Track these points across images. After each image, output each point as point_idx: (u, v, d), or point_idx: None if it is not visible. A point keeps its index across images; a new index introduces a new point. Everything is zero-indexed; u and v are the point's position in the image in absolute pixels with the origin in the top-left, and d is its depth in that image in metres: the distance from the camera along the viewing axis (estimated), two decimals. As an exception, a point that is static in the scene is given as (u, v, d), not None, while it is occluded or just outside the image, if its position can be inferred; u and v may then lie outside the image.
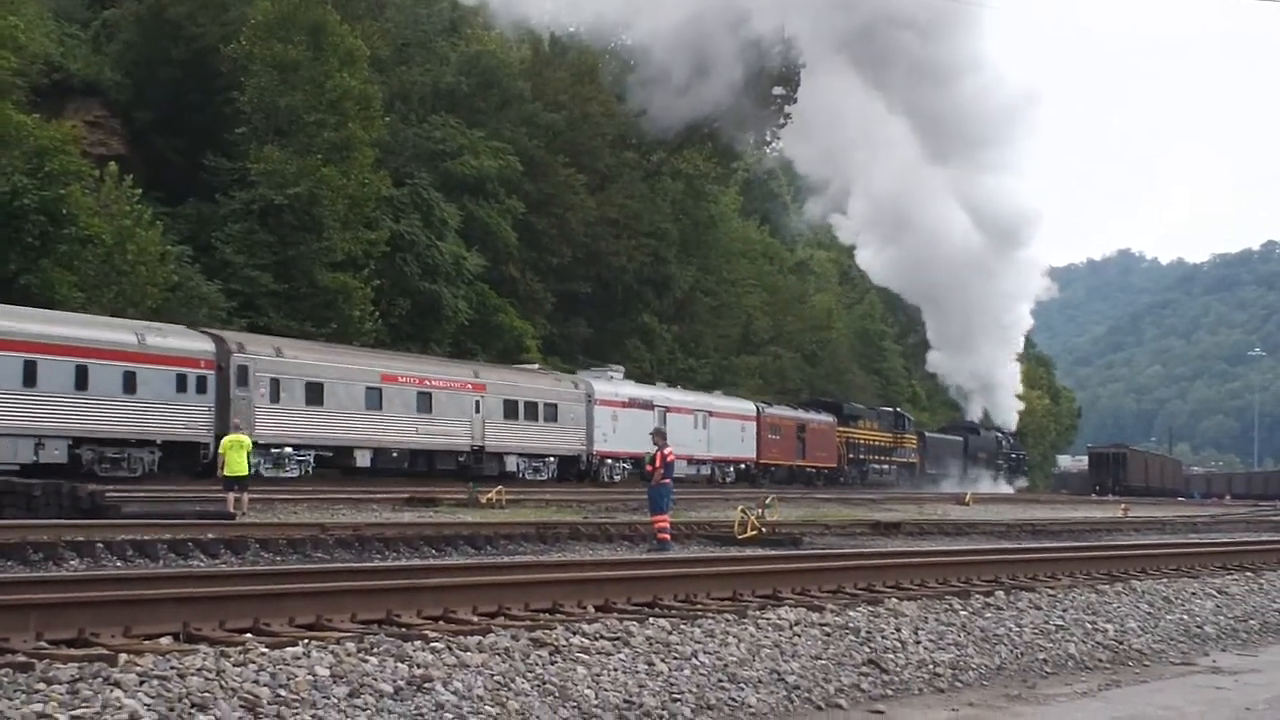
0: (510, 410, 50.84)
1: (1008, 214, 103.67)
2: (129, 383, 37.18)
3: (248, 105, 51.96)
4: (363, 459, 45.07)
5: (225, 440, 29.02)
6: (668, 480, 23.89)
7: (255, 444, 38.76)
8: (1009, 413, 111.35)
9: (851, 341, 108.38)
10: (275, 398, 41.58)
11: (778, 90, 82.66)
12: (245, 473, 28.46)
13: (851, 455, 78.54)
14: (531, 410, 51.85)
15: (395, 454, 46.36)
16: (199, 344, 39.95)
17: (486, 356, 60.37)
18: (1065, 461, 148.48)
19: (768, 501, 34.80)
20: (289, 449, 42.32)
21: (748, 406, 68.03)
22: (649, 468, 24.79)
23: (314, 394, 42.96)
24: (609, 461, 55.99)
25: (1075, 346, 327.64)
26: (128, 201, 45.52)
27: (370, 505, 31.98)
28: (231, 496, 27.65)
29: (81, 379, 35.93)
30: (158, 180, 51.64)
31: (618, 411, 56.20)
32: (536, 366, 59.29)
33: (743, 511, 26.95)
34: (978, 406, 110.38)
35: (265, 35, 51.77)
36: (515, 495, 37.95)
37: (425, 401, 47.03)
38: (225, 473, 28.42)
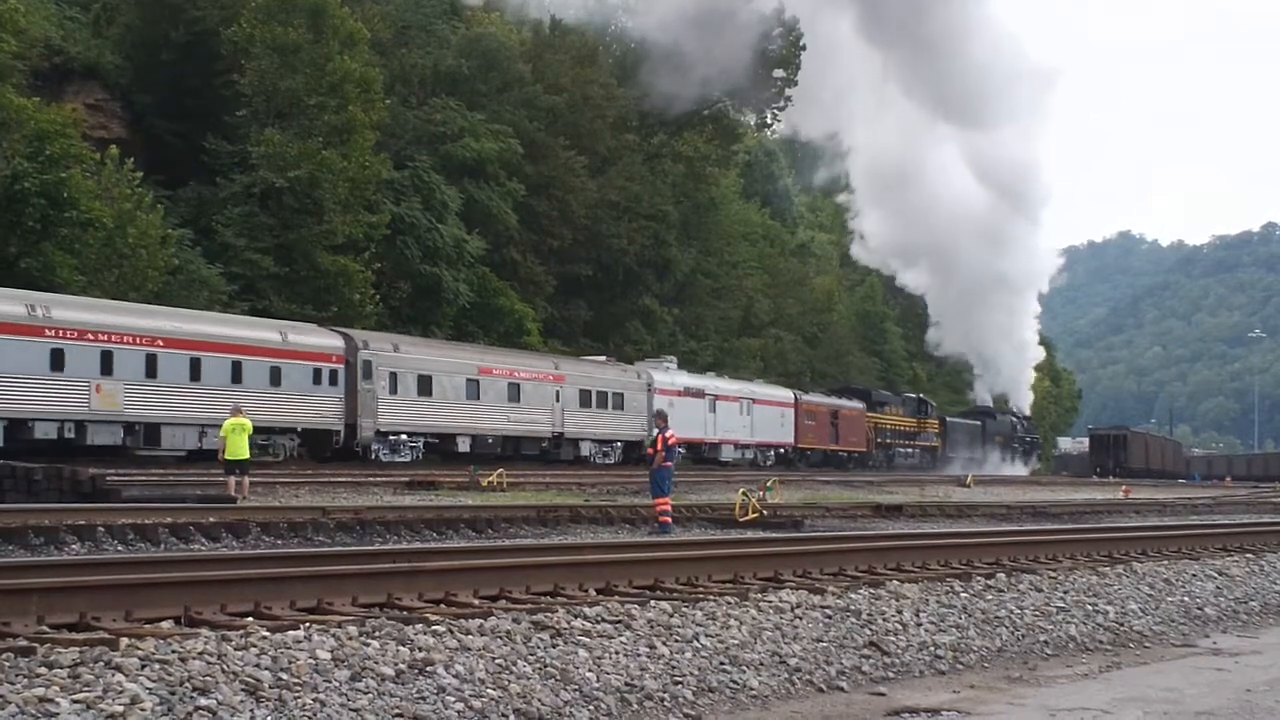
0: (585, 399, 54.51)
1: (1013, 175, 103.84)
2: (275, 376, 41.22)
3: (248, 88, 51.87)
4: (463, 444, 48.60)
5: (227, 424, 28.98)
6: (669, 463, 23.91)
7: (377, 431, 43.87)
8: (1014, 389, 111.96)
9: (852, 323, 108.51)
10: (394, 389, 45.70)
11: (778, 73, 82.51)
12: (247, 456, 28.45)
13: (879, 440, 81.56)
14: (602, 399, 55.46)
15: (490, 440, 49.95)
16: (331, 341, 44.16)
17: (488, 339, 60.42)
18: (1066, 443, 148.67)
19: (769, 484, 34.89)
20: (404, 435, 46.13)
21: (786, 394, 71.15)
22: (650, 450, 24.83)
23: (424, 386, 46.93)
24: None
25: (1076, 328, 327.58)
26: (128, 185, 45.46)
27: (371, 489, 32.04)
28: (232, 480, 27.65)
29: (237, 373, 39.96)
30: (158, 163, 51.56)
31: (674, 399, 58.64)
32: (604, 359, 61.78)
33: (744, 494, 26.96)
34: (981, 385, 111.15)
35: (265, 18, 51.66)
36: (516, 479, 38.05)
37: (515, 392, 51.05)
38: (226, 456, 28.40)
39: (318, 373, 42.82)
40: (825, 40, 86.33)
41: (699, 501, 31.31)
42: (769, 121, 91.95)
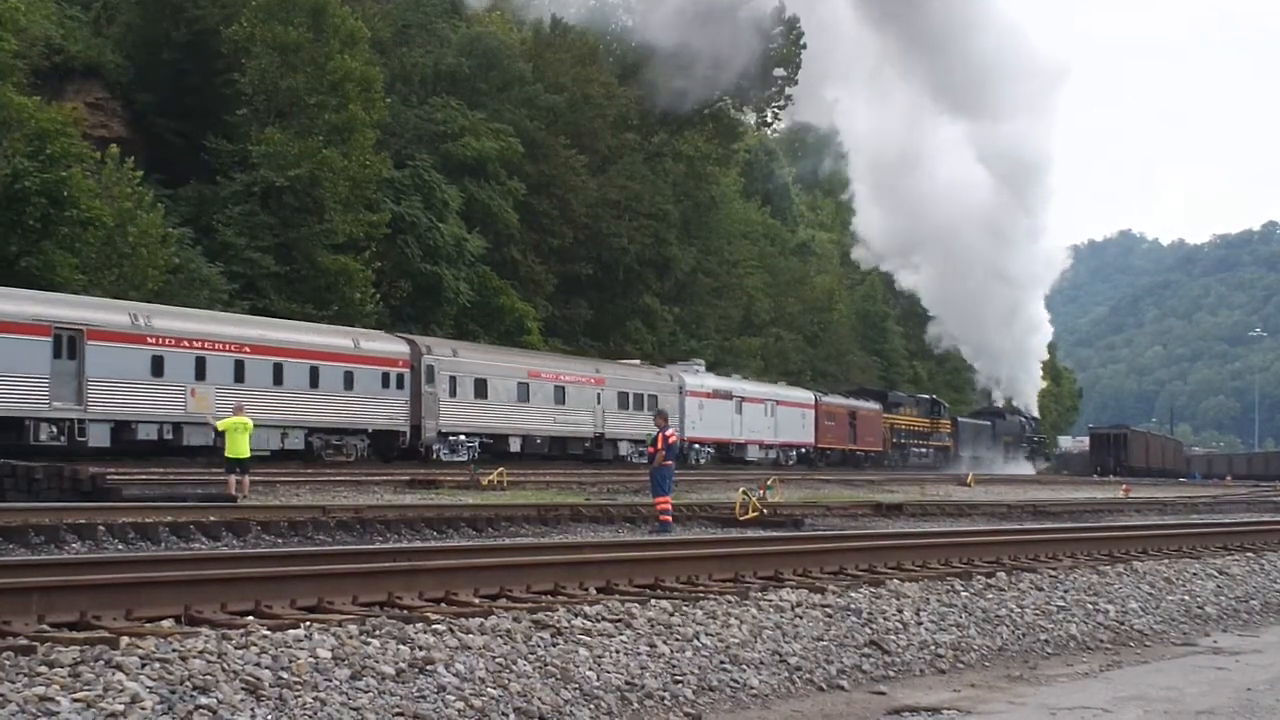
0: (623, 401, 56.43)
1: (1017, 166, 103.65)
2: (348, 381, 43.68)
3: (249, 87, 51.86)
4: (514, 445, 50.94)
5: (227, 422, 28.90)
6: (670, 462, 23.87)
7: (439, 432, 45.93)
8: (1020, 389, 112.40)
9: (853, 322, 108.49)
10: (453, 392, 47.86)
11: (779, 72, 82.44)
12: (246, 455, 28.36)
13: (895, 440, 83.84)
14: (639, 401, 57.16)
15: (539, 440, 52.36)
16: (397, 347, 46.59)
17: (488, 338, 60.43)
18: (1066, 442, 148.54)
19: (769, 483, 34.87)
20: (462, 436, 48.22)
21: (807, 396, 73.31)
22: (651, 449, 24.78)
23: (481, 389, 49.28)
24: (696, 446, 61.07)
25: (1076, 327, 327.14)
26: (129, 184, 45.46)
27: (371, 488, 32.03)
28: (233, 479, 27.58)
29: (314, 378, 42.36)
30: (159, 162, 51.56)
31: (704, 401, 62.34)
32: (638, 362, 63.82)
33: (744, 493, 26.95)
34: (984, 381, 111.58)
35: (266, 17, 51.66)
36: (516, 477, 38.08)
37: (560, 395, 53.40)
38: (227, 455, 28.30)
39: (386, 377, 45.12)
40: (825, 28, 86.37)
41: (699, 500, 31.31)
42: (769, 120, 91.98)
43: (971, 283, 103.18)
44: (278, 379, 40.99)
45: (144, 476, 29.94)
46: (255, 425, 38.90)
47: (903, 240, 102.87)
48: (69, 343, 35.38)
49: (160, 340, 37.64)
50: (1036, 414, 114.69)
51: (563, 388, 53.28)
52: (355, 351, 44.11)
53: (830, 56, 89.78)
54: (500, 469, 37.44)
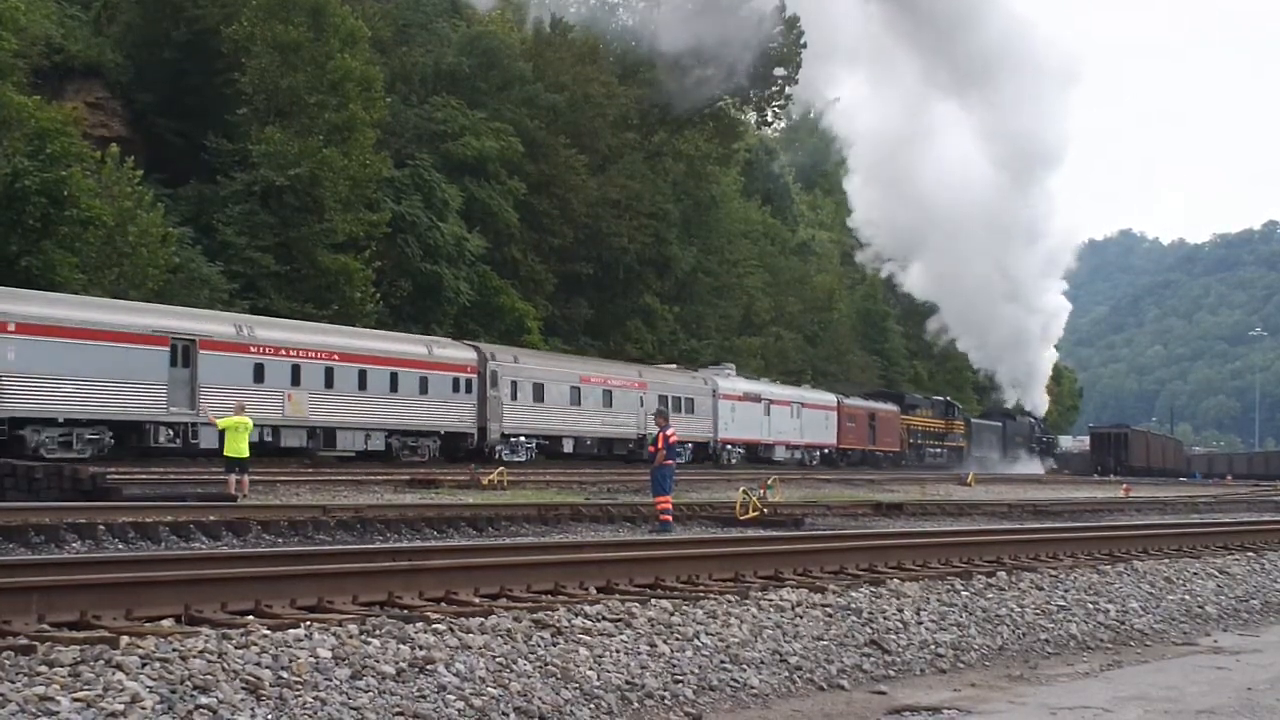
0: (663, 404, 56.66)
1: (1020, 157, 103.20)
2: (423, 386, 46.09)
3: (249, 86, 51.85)
4: (568, 445, 53.73)
5: (227, 421, 28.81)
6: (670, 462, 23.87)
7: (502, 434, 48.19)
8: (1027, 390, 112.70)
9: (853, 322, 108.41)
10: (514, 396, 50.29)
11: (779, 71, 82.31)
12: (246, 454, 28.29)
13: (911, 440, 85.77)
14: (677, 404, 59.01)
15: (589, 441, 54.92)
16: (466, 353, 49.13)
17: (488, 338, 60.41)
18: (1067, 442, 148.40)
19: (769, 483, 34.87)
20: (522, 437, 50.43)
21: (830, 398, 75.47)
22: (651, 449, 24.77)
23: (538, 393, 51.77)
24: (728, 446, 63.37)
25: (1076, 327, 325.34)
26: (129, 183, 45.43)
27: (372, 487, 32.04)
28: (232, 478, 27.52)
29: (394, 384, 44.80)
30: (159, 162, 51.54)
31: (735, 404, 64.72)
32: (674, 366, 66.41)
33: (744, 493, 26.93)
34: (984, 376, 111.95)
35: (266, 16, 51.65)
36: (516, 477, 38.12)
37: (608, 398, 55.83)
38: (227, 454, 28.22)
39: (456, 382, 47.59)
40: (826, 14, 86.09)
41: (699, 500, 31.30)
42: (769, 120, 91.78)
43: (975, 278, 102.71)
44: (362, 384, 43.40)
45: (144, 476, 29.94)
46: (344, 427, 42.66)
47: (905, 235, 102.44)
48: (183, 352, 37.99)
49: (261, 349, 40.14)
50: (1044, 414, 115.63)
51: (610, 391, 55.67)
52: (429, 358, 46.51)
53: (832, 45, 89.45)
54: (501, 469, 37.45)
